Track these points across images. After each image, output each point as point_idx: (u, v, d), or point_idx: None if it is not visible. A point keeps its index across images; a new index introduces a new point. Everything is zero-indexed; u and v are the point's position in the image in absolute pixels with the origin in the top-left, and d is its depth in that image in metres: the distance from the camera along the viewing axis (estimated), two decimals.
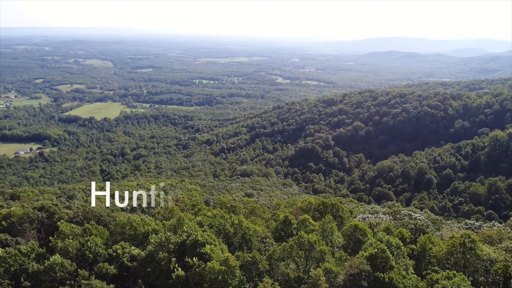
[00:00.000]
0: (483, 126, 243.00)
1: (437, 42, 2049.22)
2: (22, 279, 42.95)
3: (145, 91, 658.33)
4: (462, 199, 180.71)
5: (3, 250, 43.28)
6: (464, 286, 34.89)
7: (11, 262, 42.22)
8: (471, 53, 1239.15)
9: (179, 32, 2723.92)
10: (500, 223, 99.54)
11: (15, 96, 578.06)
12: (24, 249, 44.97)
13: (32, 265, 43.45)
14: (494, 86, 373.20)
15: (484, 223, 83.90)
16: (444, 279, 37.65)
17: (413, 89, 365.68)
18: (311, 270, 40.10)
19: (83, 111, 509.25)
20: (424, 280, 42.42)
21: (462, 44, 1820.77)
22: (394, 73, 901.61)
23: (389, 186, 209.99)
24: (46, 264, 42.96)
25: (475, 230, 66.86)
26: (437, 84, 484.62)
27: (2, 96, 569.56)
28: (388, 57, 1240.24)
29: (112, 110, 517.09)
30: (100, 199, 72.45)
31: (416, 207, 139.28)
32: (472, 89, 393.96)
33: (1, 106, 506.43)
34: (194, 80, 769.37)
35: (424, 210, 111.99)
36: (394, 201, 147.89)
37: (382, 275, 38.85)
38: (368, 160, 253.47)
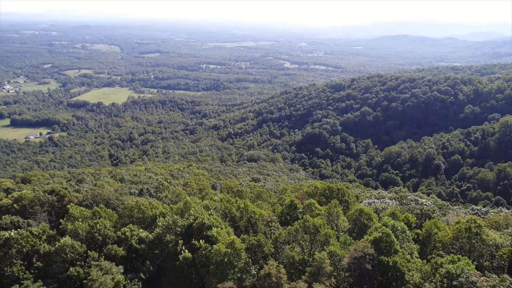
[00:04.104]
0: (494, 111, 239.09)
1: (450, 25, 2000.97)
2: (34, 260, 44.19)
3: (152, 76, 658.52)
4: (470, 185, 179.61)
5: (15, 231, 44.36)
6: (468, 270, 34.97)
7: (23, 243, 43.36)
8: (484, 37, 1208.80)
9: (186, 16, 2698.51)
10: (508, 209, 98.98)
11: (24, 81, 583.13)
12: (36, 231, 46.08)
13: (44, 247, 44.62)
14: (507, 71, 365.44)
15: (492, 209, 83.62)
16: (449, 263, 37.74)
17: (422, 74, 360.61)
18: (316, 253, 40.53)
19: (91, 96, 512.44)
20: (429, 264, 42.67)
21: (475, 27, 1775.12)
22: (404, 57, 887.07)
23: (397, 171, 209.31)
24: (57, 245, 44.09)
25: (482, 216, 66.65)
26: (448, 68, 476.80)
27: (12, 81, 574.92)
28: (398, 41, 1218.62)
29: (119, 95, 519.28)
30: (108, 182, 73.55)
31: (423, 193, 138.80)
32: (484, 74, 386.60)
33: (11, 91, 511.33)
34: (201, 65, 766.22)
35: (431, 196, 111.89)
36: (401, 187, 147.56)
37: (387, 259, 39.14)
38: (376, 146, 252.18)
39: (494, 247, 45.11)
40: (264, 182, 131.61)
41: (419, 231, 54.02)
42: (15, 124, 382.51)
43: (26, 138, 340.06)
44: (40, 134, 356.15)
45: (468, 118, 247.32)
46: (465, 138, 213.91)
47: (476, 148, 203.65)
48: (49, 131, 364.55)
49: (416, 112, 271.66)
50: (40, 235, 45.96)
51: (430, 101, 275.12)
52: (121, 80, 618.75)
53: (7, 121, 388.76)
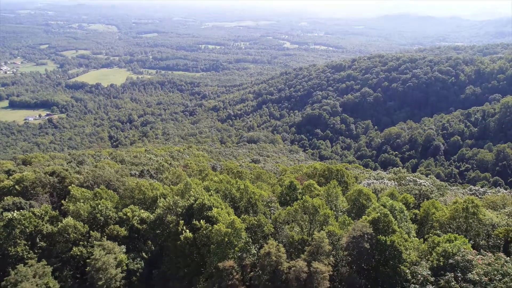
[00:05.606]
0: (495, 92, 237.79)
1: (453, 4, 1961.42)
2: (37, 240, 44.84)
3: (150, 56, 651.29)
4: (469, 165, 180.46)
5: (18, 212, 44.82)
6: (464, 248, 35.58)
7: (26, 224, 43.88)
8: (488, 16, 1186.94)
9: None
10: (506, 189, 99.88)
11: (21, 62, 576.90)
12: (38, 212, 46.56)
13: (47, 227, 45.19)
14: (509, 51, 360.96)
15: (490, 189, 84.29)
16: (445, 242, 38.38)
17: (424, 54, 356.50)
18: (315, 233, 41.09)
19: (89, 77, 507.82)
20: (426, 243, 43.36)
21: (479, 6, 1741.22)
22: (405, 37, 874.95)
23: (396, 152, 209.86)
24: (59, 226, 44.67)
25: (479, 196, 67.26)
26: (450, 48, 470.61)
27: (9, 62, 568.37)
28: (400, 21, 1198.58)
29: (118, 76, 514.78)
30: (109, 164, 73.87)
31: (422, 174, 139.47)
32: (486, 53, 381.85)
33: (8, 72, 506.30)
34: (200, 45, 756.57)
35: (429, 176, 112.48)
36: (400, 168, 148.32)
37: (384, 238, 39.75)
38: (376, 127, 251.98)
39: (491, 227, 45.74)
40: (264, 163, 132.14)
41: (417, 211, 54.63)
42: (13, 105, 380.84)
43: (25, 119, 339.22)
44: (39, 115, 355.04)
45: (468, 99, 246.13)
46: (465, 119, 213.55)
47: (476, 129, 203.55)
48: (48, 112, 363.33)
49: (417, 93, 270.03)
50: (43, 216, 46.47)
51: (431, 82, 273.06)
52: (119, 61, 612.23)
53: (5, 103, 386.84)
